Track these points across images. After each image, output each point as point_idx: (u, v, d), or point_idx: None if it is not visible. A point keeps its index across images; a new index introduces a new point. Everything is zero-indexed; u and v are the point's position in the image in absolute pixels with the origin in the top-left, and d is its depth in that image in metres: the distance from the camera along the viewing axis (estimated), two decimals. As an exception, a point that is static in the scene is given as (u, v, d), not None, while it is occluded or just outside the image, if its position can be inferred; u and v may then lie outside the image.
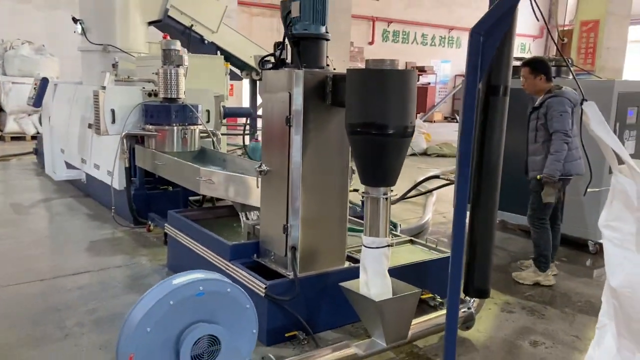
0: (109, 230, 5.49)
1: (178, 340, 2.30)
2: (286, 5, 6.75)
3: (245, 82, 10.97)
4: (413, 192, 7.56)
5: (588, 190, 2.50)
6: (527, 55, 24.36)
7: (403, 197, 7.24)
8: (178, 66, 5.31)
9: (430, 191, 7.47)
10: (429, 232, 5.90)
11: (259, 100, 10.73)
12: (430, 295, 3.79)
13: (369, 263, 2.97)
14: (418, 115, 17.05)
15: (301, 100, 3.22)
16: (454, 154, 10.12)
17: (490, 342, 3.42)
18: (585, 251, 5.19)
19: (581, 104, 1.92)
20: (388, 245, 3.00)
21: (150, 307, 2.23)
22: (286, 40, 3.43)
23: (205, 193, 4.36)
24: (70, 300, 3.79)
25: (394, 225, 5.15)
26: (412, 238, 4.51)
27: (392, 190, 3.00)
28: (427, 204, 6.91)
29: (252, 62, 9.51)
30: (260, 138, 7.07)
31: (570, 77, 5.72)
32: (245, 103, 10.89)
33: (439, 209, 6.93)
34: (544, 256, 4.38)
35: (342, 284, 3.11)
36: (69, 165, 7.21)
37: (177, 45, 5.36)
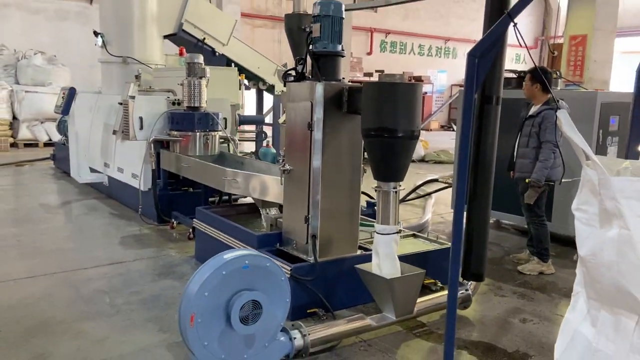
0: (136, 227, 5.98)
1: (228, 305, 2.79)
2: (290, 18, 7.39)
3: (252, 92, 11.48)
4: (413, 195, 8.11)
5: (563, 180, 3.02)
6: (522, 66, 24.90)
7: (404, 200, 7.78)
8: (201, 78, 5.83)
9: (429, 194, 8.01)
10: (428, 231, 6.37)
11: (265, 109, 11.28)
12: (432, 280, 4.29)
13: (380, 247, 3.47)
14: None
15: (321, 109, 3.73)
16: (451, 161, 10.75)
17: (485, 319, 3.92)
18: (572, 247, 5.69)
19: (555, 111, 2.43)
20: (397, 232, 3.51)
21: (207, 276, 2.72)
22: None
23: (230, 191, 4.85)
24: (115, 285, 4.28)
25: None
26: (415, 232, 5.01)
27: (400, 185, 3.51)
28: (426, 205, 7.41)
29: (260, 73, 10.05)
30: (270, 144, 7.60)
31: (557, 87, 6.28)
32: (250, 111, 11.39)
33: (437, 210, 7.43)
34: (545, 249, 4.93)
35: (357, 266, 3.61)
36: (92, 170, 7.69)
37: (200, 59, 5.88)
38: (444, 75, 24.48)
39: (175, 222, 5.94)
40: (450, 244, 4.46)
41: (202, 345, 2.73)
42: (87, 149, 7.83)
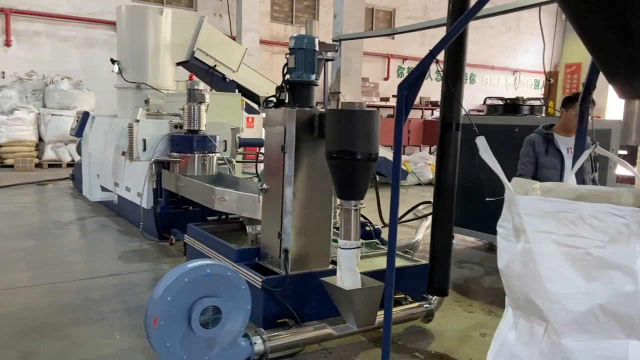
0: (137, 243, 6.36)
1: (190, 310, 3.09)
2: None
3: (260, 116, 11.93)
4: (410, 216, 8.35)
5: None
6: (541, 92, 24.74)
7: (400, 221, 8.02)
8: (200, 103, 6.24)
9: (425, 216, 8.23)
10: (419, 250, 6.60)
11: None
12: (402, 295, 4.51)
13: (342, 261, 3.74)
14: (430, 147, 17.82)
15: (294, 132, 4.05)
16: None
17: (446, 332, 4.13)
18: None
19: (475, 138, 2.69)
20: (357, 247, 3.77)
21: (170, 282, 3.04)
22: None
23: (218, 209, 5.19)
24: (106, 295, 4.63)
25: (382, 242, 5.87)
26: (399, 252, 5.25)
27: (361, 203, 3.79)
28: (420, 226, 7.62)
29: (270, 98, 10.49)
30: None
31: (542, 115, 6.50)
32: (260, 134, 11.85)
33: (432, 231, 7.61)
34: None
35: (323, 278, 3.88)
36: (103, 189, 8.16)
37: (200, 85, 6.30)
38: (462, 100, 24.65)
39: (174, 239, 6.29)
40: (425, 261, 4.74)
41: (165, 345, 3.03)
42: (101, 169, 8.31)
